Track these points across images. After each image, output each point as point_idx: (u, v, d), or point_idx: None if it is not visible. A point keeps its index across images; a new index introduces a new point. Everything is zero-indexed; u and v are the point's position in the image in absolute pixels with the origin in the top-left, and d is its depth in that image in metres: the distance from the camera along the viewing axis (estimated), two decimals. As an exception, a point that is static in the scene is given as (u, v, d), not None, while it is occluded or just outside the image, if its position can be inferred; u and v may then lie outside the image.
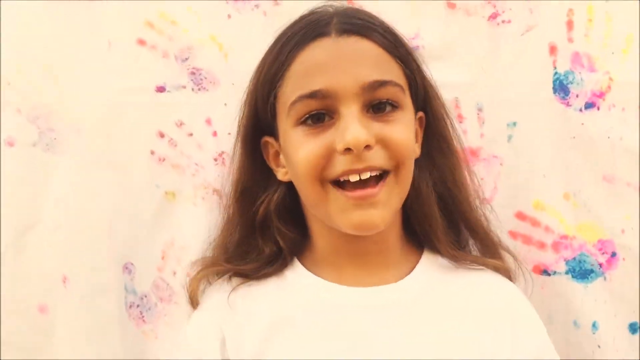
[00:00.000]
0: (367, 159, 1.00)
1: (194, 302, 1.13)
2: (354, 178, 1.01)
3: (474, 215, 1.14)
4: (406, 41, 1.09)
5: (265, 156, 1.11)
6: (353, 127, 0.99)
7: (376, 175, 1.01)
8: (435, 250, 1.11)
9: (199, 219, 1.28)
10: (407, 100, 1.06)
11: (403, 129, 1.03)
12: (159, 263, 1.32)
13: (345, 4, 1.11)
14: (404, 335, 1.03)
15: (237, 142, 1.14)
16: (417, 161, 1.08)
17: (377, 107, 1.02)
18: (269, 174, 1.11)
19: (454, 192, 1.12)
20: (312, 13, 1.08)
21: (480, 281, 1.10)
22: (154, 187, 1.32)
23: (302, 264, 1.10)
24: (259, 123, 1.09)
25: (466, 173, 1.16)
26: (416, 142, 1.09)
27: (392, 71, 1.04)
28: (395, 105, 1.03)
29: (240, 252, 1.11)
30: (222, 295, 1.09)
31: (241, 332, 1.05)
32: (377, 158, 1.01)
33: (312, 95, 1.01)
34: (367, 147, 0.99)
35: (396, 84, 1.03)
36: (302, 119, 1.02)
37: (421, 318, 1.05)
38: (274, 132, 1.08)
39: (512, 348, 1.06)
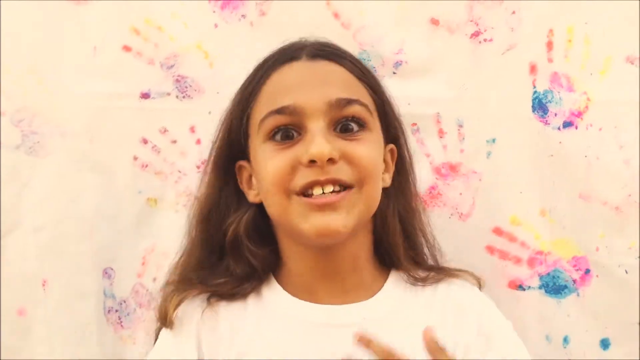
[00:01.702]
0: (330, 172, 1.03)
1: (168, 322, 1.09)
2: (317, 191, 1.04)
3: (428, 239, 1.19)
4: (375, 74, 1.15)
5: (239, 180, 1.13)
6: (318, 140, 1.03)
7: (338, 191, 1.04)
8: (402, 271, 1.14)
9: (180, 225, 1.26)
10: (374, 123, 1.09)
11: (368, 147, 1.07)
12: (139, 269, 1.32)
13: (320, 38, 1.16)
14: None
15: (208, 164, 1.16)
16: (385, 190, 1.12)
17: (344, 127, 1.06)
18: (239, 197, 1.13)
19: (413, 221, 1.16)
20: (288, 43, 1.14)
21: (445, 294, 1.13)
22: (136, 192, 1.32)
23: (278, 281, 1.11)
24: (232, 147, 1.12)
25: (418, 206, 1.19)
26: (387, 172, 1.13)
27: (359, 92, 1.09)
28: (361, 125, 1.07)
29: (212, 273, 1.11)
30: (198, 314, 1.08)
31: (217, 351, 1.06)
32: (341, 172, 1.04)
33: (281, 110, 1.05)
34: (331, 160, 1.03)
35: (362, 104, 1.08)
36: (271, 135, 1.06)
37: (392, 334, 1.04)
38: (246, 156, 1.11)
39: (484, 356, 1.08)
